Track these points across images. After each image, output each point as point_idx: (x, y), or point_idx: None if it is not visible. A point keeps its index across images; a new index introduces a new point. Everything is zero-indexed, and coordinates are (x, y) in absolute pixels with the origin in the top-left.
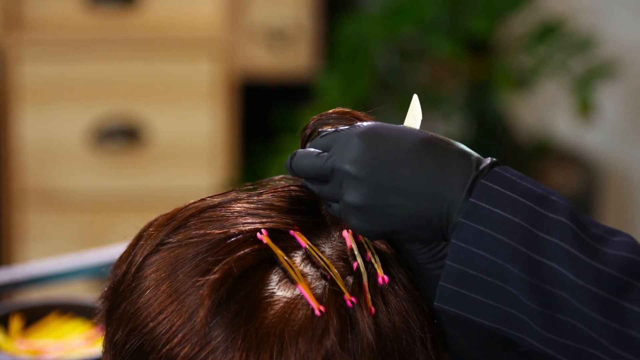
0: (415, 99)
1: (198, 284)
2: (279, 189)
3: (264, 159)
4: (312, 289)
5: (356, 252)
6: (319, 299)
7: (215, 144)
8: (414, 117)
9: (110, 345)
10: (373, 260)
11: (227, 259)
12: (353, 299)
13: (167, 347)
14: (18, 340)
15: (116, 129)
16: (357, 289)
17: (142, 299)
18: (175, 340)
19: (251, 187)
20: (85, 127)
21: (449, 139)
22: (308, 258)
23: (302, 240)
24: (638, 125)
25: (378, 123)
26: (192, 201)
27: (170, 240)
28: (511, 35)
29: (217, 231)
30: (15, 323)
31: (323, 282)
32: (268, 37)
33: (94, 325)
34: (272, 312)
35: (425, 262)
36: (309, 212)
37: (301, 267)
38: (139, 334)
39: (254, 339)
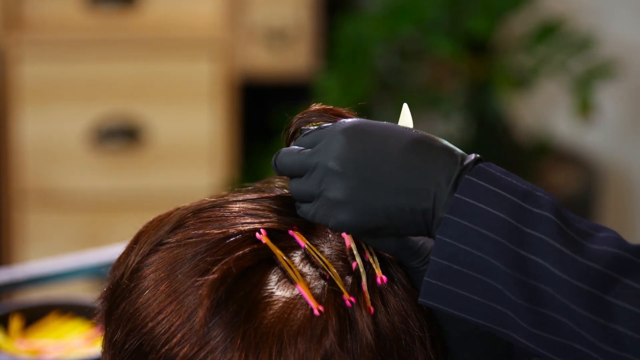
0: (405, 107)
1: (197, 284)
2: (278, 189)
3: (264, 159)
4: (311, 289)
5: (355, 252)
6: (317, 298)
7: (215, 144)
8: (405, 125)
9: (110, 345)
10: (371, 261)
11: (226, 259)
12: (352, 299)
13: (166, 347)
14: (18, 340)
15: (116, 129)
16: (356, 289)
17: (141, 299)
18: (175, 340)
19: (250, 187)
20: (85, 127)
21: (433, 136)
22: (307, 258)
23: (301, 240)
24: (638, 125)
25: (362, 120)
26: (191, 201)
27: (169, 240)
28: (511, 35)
29: (216, 231)
30: (15, 323)
31: (322, 282)
32: (268, 37)
33: (94, 325)
34: (271, 312)
35: (408, 260)
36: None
37: (300, 267)
38: (138, 334)
39: (253, 338)
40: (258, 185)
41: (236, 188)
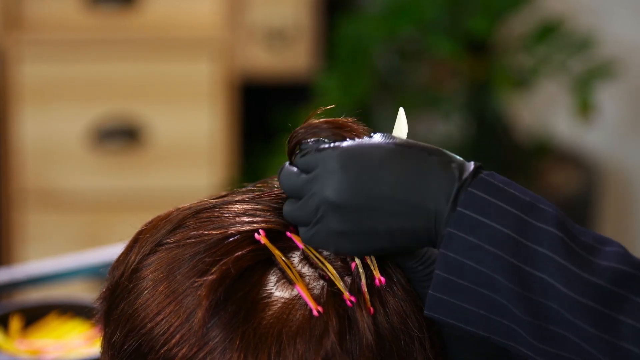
0: (401, 112)
1: (196, 284)
2: (277, 190)
3: (264, 159)
4: (310, 289)
5: None
6: (316, 299)
7: (215, 144)
8: (400, 130)
9: (108, 346)
10: (369, 262)
11: (225, 260)
12: (352, 298)
13: (165, 348)
14: (18, 340)
15: (116, 129)
16: (355, 290)
17: (140, 300)
18: (173, 341)
19: (249, 187)
20: (85, 127)
21: (429, 147)
22: (306, 258)
23: (298, 241)
24: (638, 125)
25: (356, 143)
26: (190, 202)
27: (168, 240)
28: (511, 35)
29: (214, 232)
30: (15, 323)
31: (321, 282)
32: (268, 37)
33: (93, 325)
34: (270, 312)
35: (414, 271)
36: None
37: (299, 268)
38: (137, 335)
39: (252, 339)
40: (257, 185)
41: (235, 188)
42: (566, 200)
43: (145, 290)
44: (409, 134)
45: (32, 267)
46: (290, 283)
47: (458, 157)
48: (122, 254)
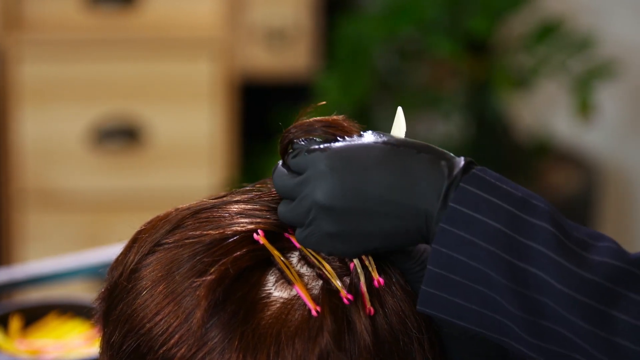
0: (399, 111)
1: (194, 284)
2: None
3: (264, 159)
4: (308, 290)
5: None
6: (315, 299)
7: (215, 144)
8: (399, 129)
9: (107, 346)
10: (367, 263)
11: (224, 260)
12: (349, 296)
13: (164, 348)
14: (17, 340)
15: (116, 129)
16: (353, 290)
17: (138, 300)
18: (172, 341)
19: (248, 188)
20: (85, 127)
21: (418, 145)
22: (304, 258)
23: (296, 241)
24: (638, 125)
25: (345, 145)
26: (190, 202)
27: (166, 241)
28: (511, 35)
29: (213, 232)
30: (15, 323)
31: (320, 282)
32: (268, 37)
33: (93, 325)
34: (268, 312)
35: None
36: None
37: (298, 268)
38: (136, 335)
39: (251, 339)
40: (256, 185)
41: (235, 188)
42: (566, 200)
43: (144, 290)
44: (407, 134)
45: (32, 267)
46: (289, 283)
47: (449, 153)
48: (121, 254)
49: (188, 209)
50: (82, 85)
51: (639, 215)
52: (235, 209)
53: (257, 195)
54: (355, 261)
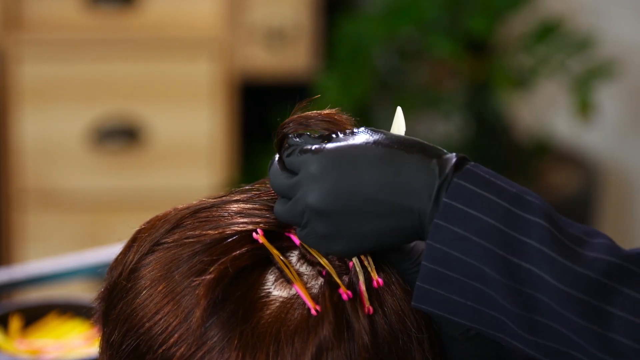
0: (399, 111)
1: (194, 284)
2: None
3: (264, 159)
4: (308, 289)
5: None
6: (315, 298)
7: (215, 144)
8: (398, 129)
9: (107, 345)
10: (366, 264)
11: (223, 259)
12: (349, 293)
13: (164, 348)
14: (17, 340)
15: (116, 129)
16: (352, 289)
17: (138, 300)
18: (172, 340)
19: (247, 187)
20: (85, 127)
21: (409, 144)
22: (304, 257)
23: (297, 238)
24: (638, 125)
25: (335, 147)
26: (189, 202)
27: (166, 240)
28: (510, 35)
29: (212, 231)
30: (15, 323)
31: (319, 281)
32: (267, 37)
33: (93, 325)
34: (268, 311)
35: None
36: None
37: (297, 267)
38: (135, 335)
39: (250, 338)
40: (256, 185)
41: (234, 188)
42: (566, 200)
43: (144, 289)
44: (407, 134)
45: (31, 267)
46: (289, 282)
47: (441, 149)
48: (121, 253)
49: (187, 208)
50: (82, 85)
51: (639, 215)
52: (234, 209)
53: (256, 194)
54: (354, 260)
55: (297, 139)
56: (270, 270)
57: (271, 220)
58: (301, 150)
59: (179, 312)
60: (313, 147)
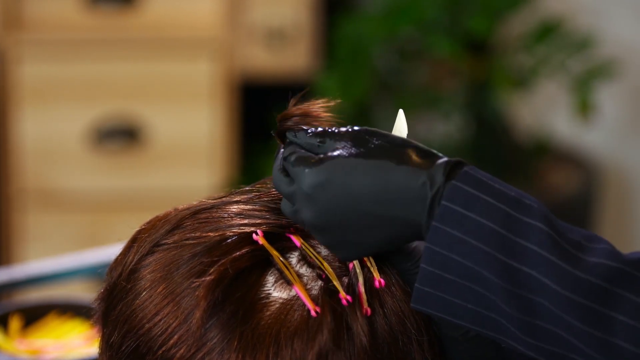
0: (400, 113)
1: (194, 285)
2: (275, 191)
3: (263, 159)
4: (307, 290)
5: None
6: (314, 299)
7: (215, 144)
8: (399, 131)
9: (107, 346)
10: (369, 264)
11: (223, 260)
12: (348, 298)
13: (163, 349)
14: (17, 340)
15: (116, 129)
16: (351, 291)
17: (137, 301)
18: (171, 341)
19: (247, 188)
20: (85, 127)
21: (398, 155)
22: (304, 259)
23: (297, 240)
24: (638, 125)
25: (324, 166)
26: (189, 202)
27: (165, 241)
28: (510, 35)
29: (212, 233)
30: (15, 323)
31: (319, 282)
32: (267, 37)
33: (92, 325)
34: (268, 313)
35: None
36: None
37: (297, 268)
38: (135, 336)
39: (250, 340)
40: (256, 186)
41: (234, 189)
42: (566, 200)
43: (144, 291)
44: (408, 136)
45: (31, 267)
46: (288, 283)
47: (435, 154)
48: (121, 254)
49: (187, 209)
50: (82, 85)
51: (639, 215)
52: (234, 210)
53: (256, 195)
54: (355, 262)
55: (295, 136)
56: (270, 272)
57: (271, 222)
58: (296, 159)
59: (178, 314)
60: (306, 159)
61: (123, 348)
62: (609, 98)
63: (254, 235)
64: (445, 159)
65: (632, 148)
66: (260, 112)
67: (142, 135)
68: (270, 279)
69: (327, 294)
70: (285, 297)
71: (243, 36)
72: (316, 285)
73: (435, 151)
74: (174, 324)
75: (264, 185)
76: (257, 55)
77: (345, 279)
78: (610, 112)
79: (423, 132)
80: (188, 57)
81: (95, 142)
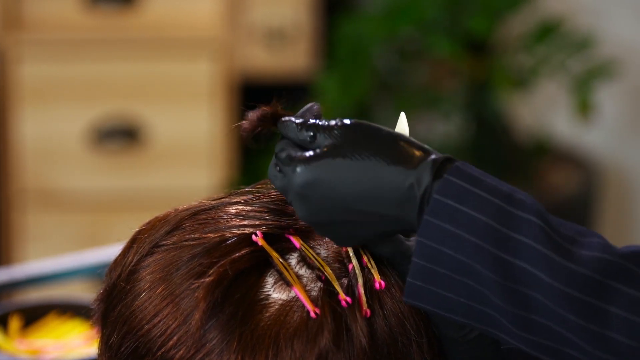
0: (402, 116)
1: (193, 286)
2: (274, 192)
3: (263, 159)
4: (307, 291)
5: (351, 254)
6: (314, 301)
7: (215, 144)
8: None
9: (106, 347)
10: (369, 265)
11: (222, 262)
12: (348, 299)
13: (163, 350)
14: (17, 340)
15: (116, 129)
16: (351, 292)
17: (137, 302)
18: (171, 343)
19: (246, 189)
20: (85, 127)
21: (393, 149)
22: (303, 260)
23: (296, 241)
24: (638, 125)
25: (313, 165)
26: (189, 202)
27: (165, 242)
28: (510, 35)
29: (212, 234)
30: (15, 323)
31: (318, 284)
32: (267, 37)
33: (92, 326)
34: (267, 314)
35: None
36: None
37: (296, 269)
38: (134, 337)
39: (250, 341)
40: (256, 186)
41: (234, 189)
42: (566, 200)
43: (143, 291)
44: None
45: (31, 267)
46: (288, 285)
47: (427, 150)
48: (120, 255)
49: (187, 210)
50: (82, 85)
51: (639, 215)
52: (234, 211)
53: (256, 196)
54: (354, 262)
55: (286, 131)
56: (269, 273)
57: (271, 223)
58: (287, 157)
59: (178, 315)
60: (295, 158)
61: (122, 349)
62: (609, 98)
63: (253, 236)
64: (433, 156)
65: (632, 148)
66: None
67: (142, 135)
68: (270, 280)
69: (327, 295)
70: (285, 298)
71: (243, 36)
72: (316, 287)
73: (426, 147)
74: (174, 325)
75: (264, 186)
76: (257, 55)
77: (345, 280)
78: (610, 112)
79: (423, 132)
80: (188, 57)
81: (95, 142)
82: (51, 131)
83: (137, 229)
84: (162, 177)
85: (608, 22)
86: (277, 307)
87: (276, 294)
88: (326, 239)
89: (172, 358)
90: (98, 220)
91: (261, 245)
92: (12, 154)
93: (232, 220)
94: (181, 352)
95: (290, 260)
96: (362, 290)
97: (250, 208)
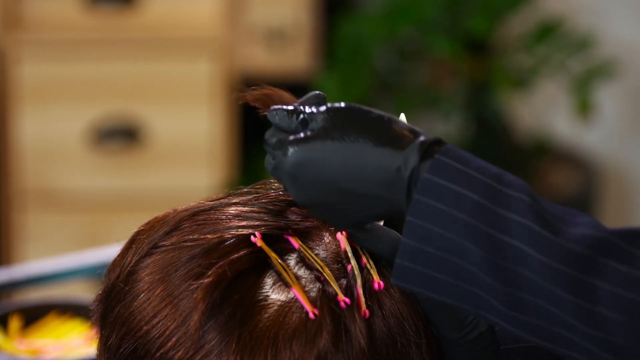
0: (402, 116)
1: (192, 287)
2: (274, 192)
3: (263, 159)
4: (306, 292)
5: (350, 255)
6: (313, 302)
7: (215, 144)
8: None
9: (104, 348)
10: (368, 266)
11: (221, 263)
12: (347, 300)
13: (161, 351)
14: (17, 340)
15: (116, 129)
16: (349, 293)
17: (136, 303)
18: (169, 344)
19: (245, 190)
20: (85, 127)
21: (383, 131)
22: (302, 261)
23: (295, 242)
24: (637, 125)
25: (302, 148)
26: (188, 202)
27: (164, 243)
28: (510, 35)
29: (210, 235)
30: (15, 323)
31: (317, 284)
32: (267, 37)
33: (91, 327)
34: (266, 315)
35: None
36: (303, 215)
37: (295, 270)
38: (133, 338)
39: (248, 342)
40: (255, 187)
41: (233, 190)
42: (566, 200)
43: (142, 292)
44: None
45: (31, 267)
46: (287, 286)
47: (410, 133)
48: (119, 255)
49: (186, 210)
50: (82, 85)
51: (639, 215)
52: (232, 212)
53: (255, 197)
54: (353, 263)
55: (275, 118)
56: (268, 274)
57: (269, 224)
58: (276, 142)
59: (176, 316)
60: (284, 142)
61: (121, 350)
62: (609, 98)
63: (252, 237)
64: (422, 138)
65: (632, 148)
66: (259, 112)
67: (142, 135)
68: (269, 281)
69: (326, 296)
70: (284, 299)
71: (243, 36)
72: (314, 288)
73: (416, 129)
74: (172, 326)
75: (263, 187)
76: (257, 55)
77: (344, 281)
78: (610, 112)
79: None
80: (188, 57)
81: (95, 142)
82: (51, 131)
83: (136, 230)
84: (162, 177)
85: (608, 22)
86: (275, 308)
87: (275, 294)
88: (325, 239)
89: (170, 359)
90: (98, 220)
91: (260, 246)
92: (12, 154)
93: (230, 221)
94: (180, 353)
95: (289, 261)
96: (361, 291)
97: (249, 209)
